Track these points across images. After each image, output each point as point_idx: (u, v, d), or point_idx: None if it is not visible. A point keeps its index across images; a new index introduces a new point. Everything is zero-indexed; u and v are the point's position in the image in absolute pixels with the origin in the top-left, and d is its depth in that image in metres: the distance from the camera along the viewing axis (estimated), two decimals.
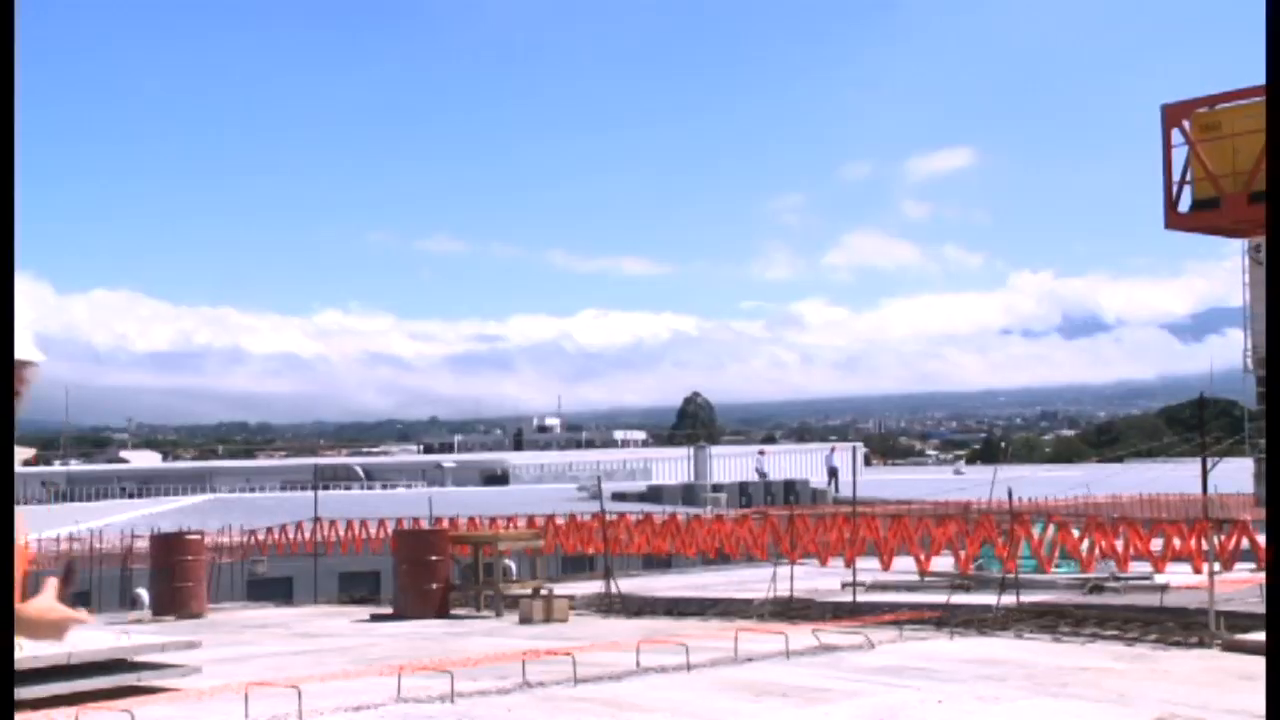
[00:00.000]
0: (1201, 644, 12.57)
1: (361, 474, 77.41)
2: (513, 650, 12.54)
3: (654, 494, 47.74)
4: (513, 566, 19.79)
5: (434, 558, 18.20)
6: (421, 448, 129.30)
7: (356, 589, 24.40)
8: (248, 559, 27.20)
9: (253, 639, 15.59)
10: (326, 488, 52.64)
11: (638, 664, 11.63)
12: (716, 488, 48.53)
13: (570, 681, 10.91)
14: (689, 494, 47.00)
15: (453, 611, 18.07)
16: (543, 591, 17.18)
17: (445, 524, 23.46)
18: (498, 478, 70.99)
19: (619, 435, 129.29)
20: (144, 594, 19.92)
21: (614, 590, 18.29)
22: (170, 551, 19.65)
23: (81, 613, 3.31)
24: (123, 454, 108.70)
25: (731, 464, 64.90)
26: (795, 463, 68.71)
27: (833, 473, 50.14)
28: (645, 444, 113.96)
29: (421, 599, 17.89)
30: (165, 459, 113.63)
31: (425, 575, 18.03)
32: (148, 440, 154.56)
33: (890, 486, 48.85)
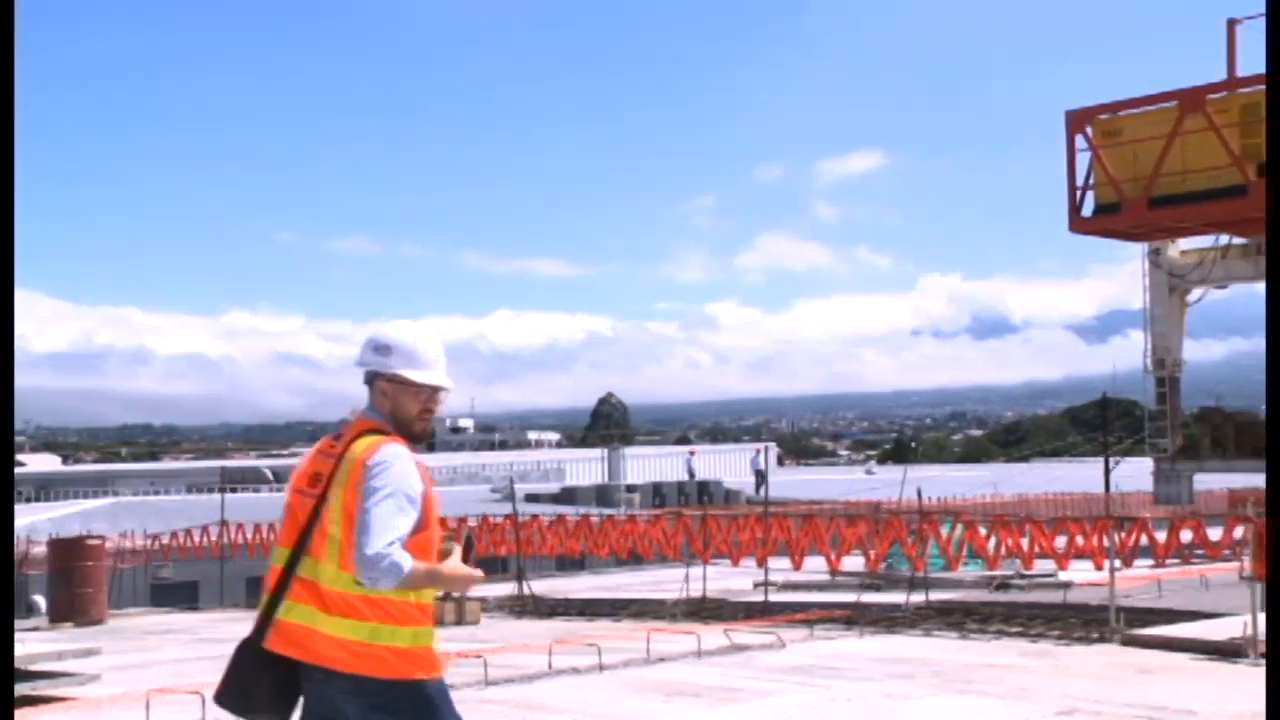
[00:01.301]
0: (1102, 639, 12.81)
1: (271, 476, 76.28)
2: None
3: (568, 495, 47.62)
4: None
5: None
6: None
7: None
8: (151, 564, 26.63)
9: (156, 645, 15.24)
10: (234, 490, 51.75)
11: (550, 665, 11.56)
12: (630, 488, 48.55)
13: (481, 684, 10.81)
14: (603, 495, 46.95)
15: None
16: (454, 594, 17.03)
17: None
18: None
19: (533, 436, 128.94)
20: (40, 601, 19.42)
21: (526, 591, 18.19)
22: (69, 556, 19.16)
23: (479, 572, 4.37)
24: (20, 457, 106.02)
25: (646, 465, 65.00)
26: (709, 463, 69.00)
27: (760, 475, 50.65)
28: (559, 445, 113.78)
29: None
30: (65, 462, 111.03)
31: None
32: (47, 443, 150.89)
33: (803, 487, 49.26)
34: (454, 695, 10.91)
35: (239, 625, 17.67)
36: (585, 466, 64.17)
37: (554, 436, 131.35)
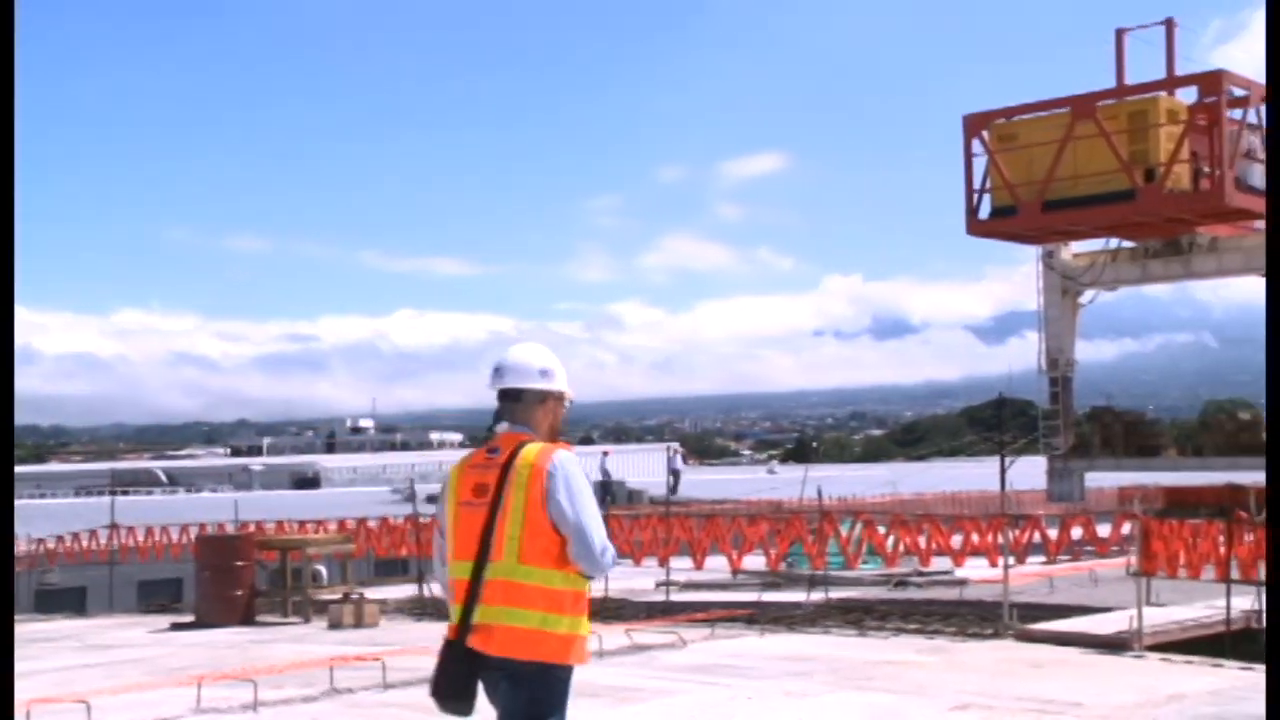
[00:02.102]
0: (996, 635, 13.05)
1: (164, 478, 74.66)
2: (320, 657, 12.22)
3: None
4: (323, 571, 19.31)
5: (239, 563, 17.61)
6: (229, 450, 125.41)
7: (156, 598, 23.45)
8: (36, 569, 25.87)
9: (39, 653, 14.79)
10: (125, 493, 50.57)
11: None
12: None
13: (380, 687, 10.68)
14: None
15: (259, 619, 17.52)
16: (353, 596, 16.79)
17: (252, 529, 22.75)
18: (308, 481, 69.34)
19: (435, 437, 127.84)
20: None
21: (427, 594, 18.01)
22: None
23: None
24: None
25: None
26: (611, 463, 69.00)
27: (676, 475, 50.79)
28: (462, 445, 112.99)
29: (225, 606, 17.30)
30: None
31: (229, 582, 17.44)
32: None
33: (705, 486, 49.51)
34: (352, 699, 10.77)
35: (129, 630, 17.30)
36: None
37: (456, 437, 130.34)
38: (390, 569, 25.72)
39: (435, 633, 15.49)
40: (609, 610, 16.15)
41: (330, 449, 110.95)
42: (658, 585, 18.11)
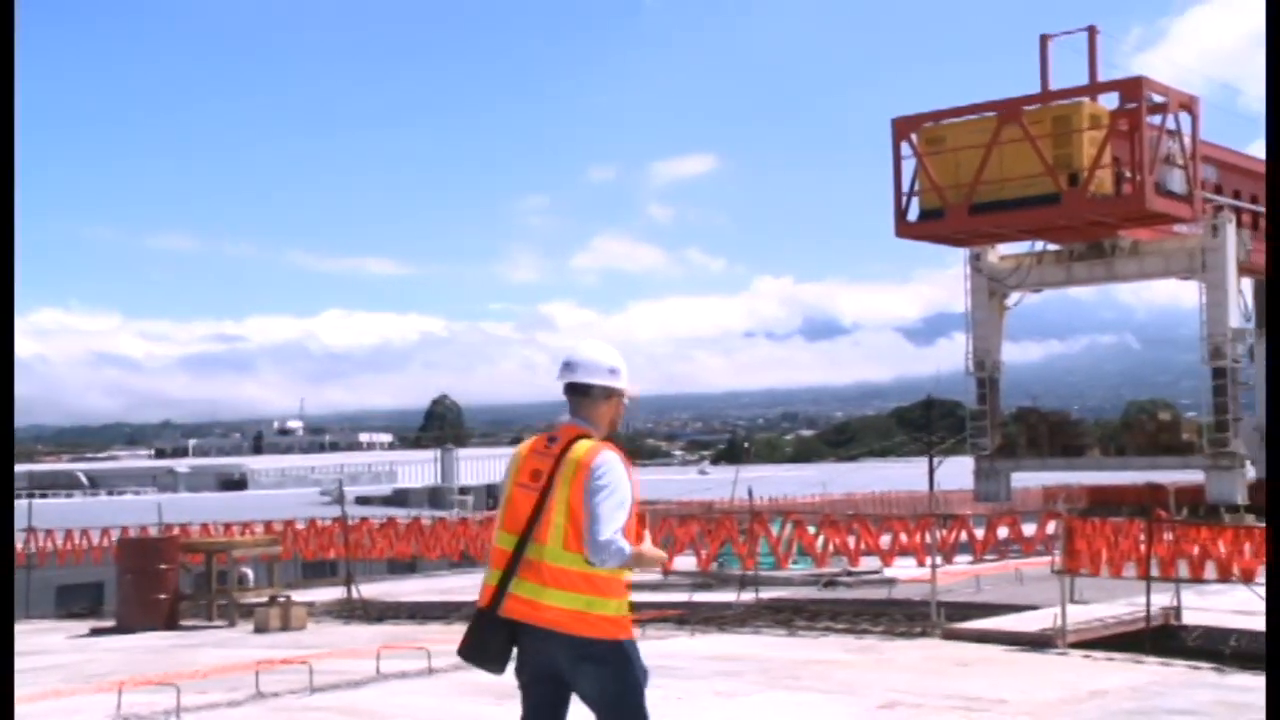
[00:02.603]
0: (924, 634, 13.17)
1: (85, 480, 73.29)
2: (246, 661, 12.05)
3: (400, 497, 47.02)
4: (249, 574, 19.07)
5: (162, 566, 17.31)
6: (153, 452, 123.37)
7: (76, 603, 22.99)
8: None
9: None
10: (44, 495, 49.59)
11: (378, 670, 11.35)
12: (464, 490, 48.20)
13: (306, 691, 10.55)
14: (436, 497, 46.50)
15: (183, 623, 17.25)
16: (280, 599, 16.59)
17: (176, 531, 22.40)
18: (234, 483, 68.43)
19: (364, 438, 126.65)
20: None
21: (355, 596, 17.84)
22: None
23: (663, 553, 5.37)
24: None
25: (480, 466, 64.53)
26: None
27: None
28: (391, 446, 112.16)
29: (147, 610, 16.99)
30: None
31: (152, 585, 17.14)
32: None
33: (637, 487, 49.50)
34: (278, 703, 10.62)
35: (47, 636, 16.95)
36: (418, 468, 63.40)
37: (386, 438, 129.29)
38: (318, 571, 25.46)
39: (364, 635, 15.31)
40: None
41: (257, 450, 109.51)
42: None
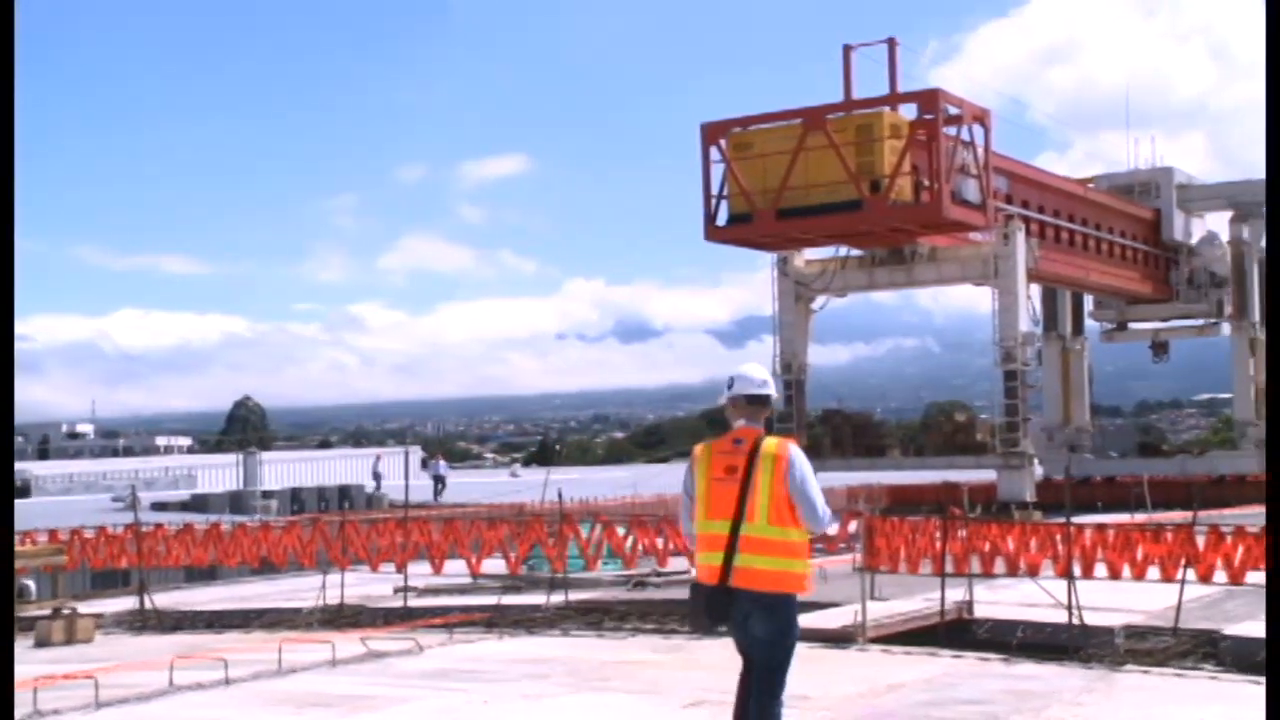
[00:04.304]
0: (728, 633, 13.33)
1: None
2: (23, 678, 11.40)
3: (199, 503, 45.47)
4: (30, 586, 18.10)
5: None
6: None
7: None
8: None
9: None
10: None
11: (170, 682, 10.90)
12: (267, 494, 46.90)
13: (91, 706, 10.06)
14: (238, 501, 45.11)
15: None
16: (64, 611, 15.78)
17: None
18: (17, 490, 65.03)
19: (162, 441, 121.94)
20: None
21: (149, 605, 17.13)
22: None
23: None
24: None
25: (285, 469, 62.89)
26: (350, 467, 67.58)
27: (438, 480, 50.17)
28: (191, 450, 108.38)
29: None
30: None
31: None
32: None
33: (448, 490, 49.03)
34: None
35: None
36: (219, 473, 61.37)
37: (185, 442, 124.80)
38: (109, 581, 24.33)
39: (158, 646, 14.65)
40: (345, 618, 15.73)
41: (43, 455, 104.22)
42: (396, 591, 17.74)
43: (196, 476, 62.83)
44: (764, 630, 6.48)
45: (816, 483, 6.49)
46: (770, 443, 6.49)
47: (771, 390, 6.77)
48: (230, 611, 17.20)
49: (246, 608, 17.50)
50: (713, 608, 6.50)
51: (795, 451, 6.49)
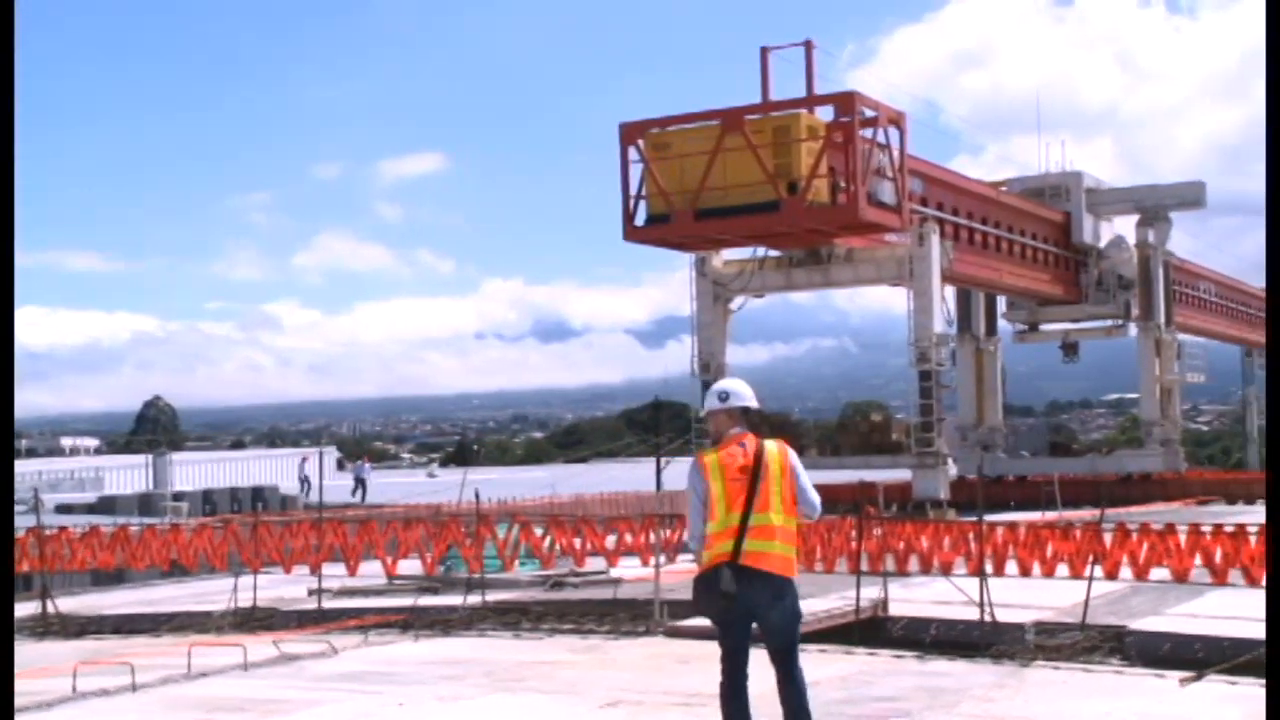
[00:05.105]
0: (648, 633, 13.36)
1: None
2: None
3: (107, 504, 44.52)
4: None
5: None
6: None
7: None
8: None
9: None
10: None
11: (74, 689, 10.66)
12: (178, 496, 46.08)
13: None
14: (147, 503, 44.25)
15: None
16: None
17: None
18: None
19: (67, 442, 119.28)
20: None
21: (51, 610, 16.72)
22: None
23: None
24: None
25: (197, 470, 61.84)
26: (265, 468, 66.64)
27: (359, 482, 49.52)
28: (99, 451, 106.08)
29: None
30: None
31: None
32: None
33: (368, 491, 48.57)
34: None
35: None
36: (128, 474, 60.18)
37: (93, 442, 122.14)
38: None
39: (61, 652, 14.30)
40: (257, 621, 15.50)
41: None
42: (310, 593, 17.51)
43: (104, 478, 61.53)
44: (781, 616, 7.31)
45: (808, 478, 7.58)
46: (771, 444, 7.43)
47: (749, 402, 7.62)
48: (138, 616, 16.87)
49: (155, 611, 17.16)
50: (738, 579, 7.17)
51: (789, 449, 7.49)
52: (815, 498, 7.49)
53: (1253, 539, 15.86)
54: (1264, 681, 10.00)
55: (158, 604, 18.38)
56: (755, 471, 7.28)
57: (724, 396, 7.56)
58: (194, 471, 61.15)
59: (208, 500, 45.85)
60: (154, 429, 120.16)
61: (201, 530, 21.59)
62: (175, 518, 34.87)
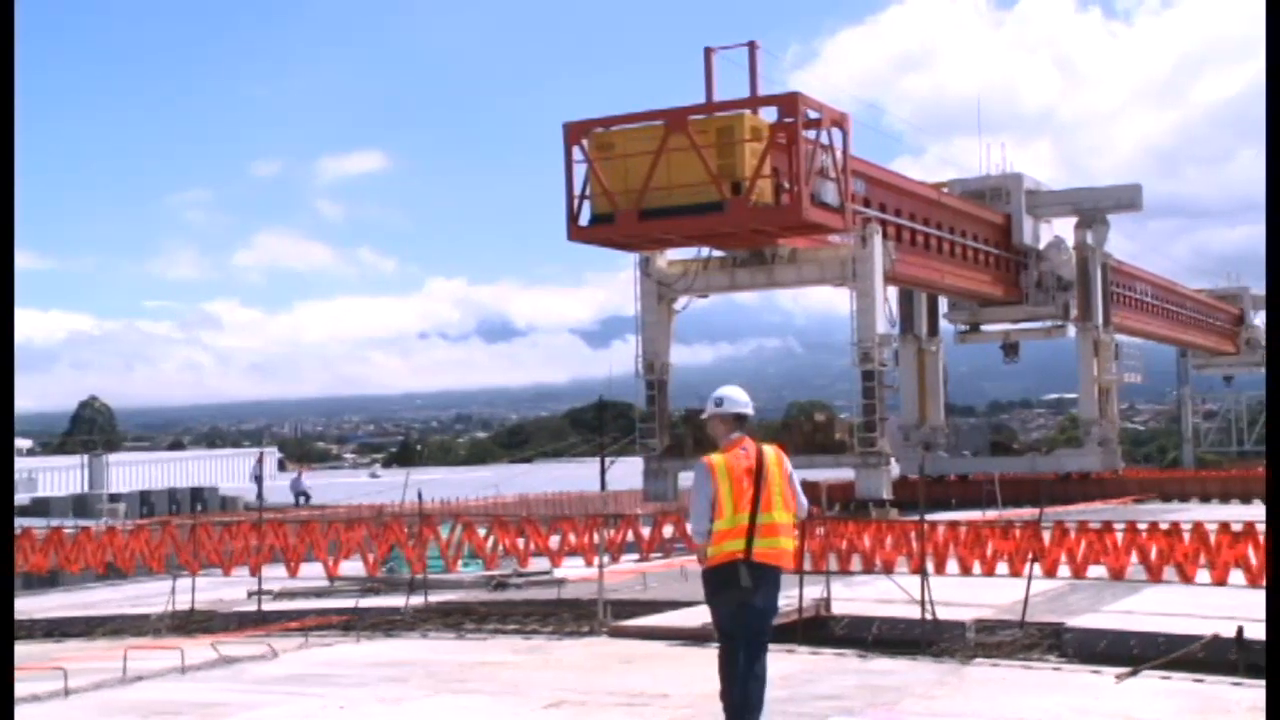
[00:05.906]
0: (591, 633, 13.32)
1: None
2: None
3: (40, 506, 43.81)
4: None
5: None
6: None
7: None
8: None
9: None
10: None
11: None
12: (114, 497, 45.45)
13: None
14: (82, 505, 43.61)
15: None
16: None
17: None
18: None
19: None
20: None
21: None
22: None
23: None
24: None
25: (134, 471, 60.98)
26: (204, 469, 65.84)
27: (304, 495, 49.04)
28: (32, 452, 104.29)
29: None
30: None
31: None
32: None
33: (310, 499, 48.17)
34: None
35: None
36: (62, 475, 59.24)
37: (26, 443, 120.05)
38: None
39: None
40: (195, 623, 15.30)
41: None
42: (250, 595, 17.33)
43: (37, 479, 60.46)
44: (770, 602, 7.94)
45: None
46: (768, 448, 8.06)
47: (748, 409, 8.20)
48: (72, 619, 16.60)
49: (90, 615, 16.91)
50: (743, 579, 7.74)
51: (782, 453, 8.15)
52: (804, 499, 8.14)
53: (1186, 536, 16.12)
54: (1228, 679, 10.18)
55: (92, 607, 18.11)
56: (758, 473, 7.87)
57: (720, 402, 8.10)
58: (131, 473, 60.31)
59: (145, 502, 45.27)
60: (90, 429, 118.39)
61: (138, 532, 21.31)
62: (111, 520, 34.36)
